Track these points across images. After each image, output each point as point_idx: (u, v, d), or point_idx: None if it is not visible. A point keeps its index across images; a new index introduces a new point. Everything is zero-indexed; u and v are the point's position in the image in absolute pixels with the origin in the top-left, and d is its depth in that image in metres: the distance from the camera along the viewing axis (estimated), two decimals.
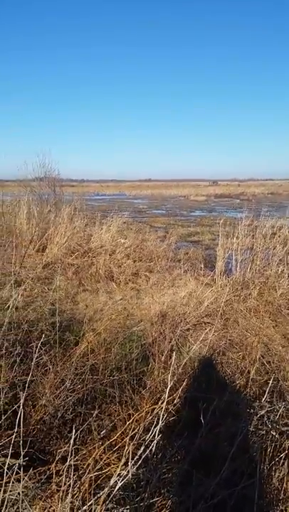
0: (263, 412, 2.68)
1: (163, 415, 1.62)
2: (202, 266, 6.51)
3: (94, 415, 2.30)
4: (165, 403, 1.63)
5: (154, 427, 1.61)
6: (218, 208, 25.02)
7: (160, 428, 1.60)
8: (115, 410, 2.56)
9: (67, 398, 2.58)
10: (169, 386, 1.66)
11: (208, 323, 4.52)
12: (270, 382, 2.78)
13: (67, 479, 1.56)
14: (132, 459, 1.53)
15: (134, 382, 2.97)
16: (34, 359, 2.41)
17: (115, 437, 1.72)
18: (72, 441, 1.53)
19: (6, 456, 1.89)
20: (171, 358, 3.36)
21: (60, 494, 1.58)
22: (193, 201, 32.90)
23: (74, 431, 1.53)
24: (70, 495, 1.52)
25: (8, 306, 3.57)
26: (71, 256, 7.23)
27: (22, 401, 1.64)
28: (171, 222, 16.25)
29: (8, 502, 1.64)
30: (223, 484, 1.85)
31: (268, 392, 2.79)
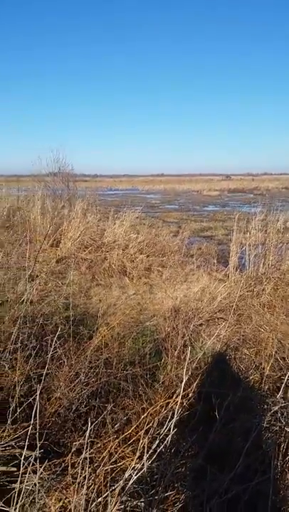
0: (276, 408, 2.66)
1: (178, 410, 1.63)
2: (215, 261, 6.47)
3: (108, 409, 2.31)
4: (180, 398, 1.63)
5: (169, 421, 1.61)
6: (231, 203, 24.83)
7: (175, 422, 1.60)
8: (129, 404, 2.57)
9: (82, 391, 2.60)
10: (184, 381, 1.66)
11: (222, 318, 4.50)
12: (285, 378, 2.75)
13: (83, 471, 1.58)
14: (147, 452, 1.54)
15: (148, 376, 2.98)
16: (50, 352, 2.44)
17: (130, 431, 1.73)
18: (87, 434, 1.55)
19: (22, 447, 1.92)
20: (184, 353, 3.37)
21: (76, 486, 1.60)
22: (206, 196, 32.70)
23: (89, 424, 1.55)
24: (85, 487, 1.54)
25: (23, 300, 3.62)
26: (84, 251, 7.26)
27: (38, 393, 1.66)
28: (183, 217, 16.19)
29: (24, 492, 1.67)
30: (237, 479, 1.85)
31: (283, 389, 2.77)
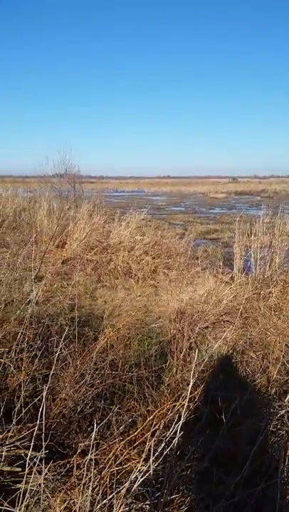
0: (283, 412, 2.65)
1: (184, 412, 1.62)
2: (221, 264, 6.45)
3: (113, 410, 2.31)
4: (187, 400, 1.62)
5: (176, 424, 1.61)
6: (238, 206, 24.77)
7: (181, 425, 1.59)
8: (134, 406, 2.57)
9: (87, 393, 2.60)
10: (191, 384, 1.65)
11: (228, 321, 4.48)
12: None
13: (88, 473, 1.58)
14: (153, 455, 1.53)
15: (153, 378, 2.97)
16: (56, 353, 2.44)
17: (136, 433, 1.72)
18: (93, 435, 1.54)
19: (27, 448, 1.92)
20: (189, 355, 3.36)
21: (81, 487, 1.60)
22: (212, 198, 32.66)
23: (95, 425, 1.54)
24: (90, 488, 1.54)
25: (29, 301, 3.62)
26: (90, 252, 7.28)
27: (44, 394, 1.66)
28: (190, 220, 16.18)
29: (29, 493, 1.67)
30: (243, 483, 1.84)
31: None
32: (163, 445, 1.67)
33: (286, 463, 2.14)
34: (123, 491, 1.55)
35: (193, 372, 1.76)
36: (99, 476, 1.68)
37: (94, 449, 1.63)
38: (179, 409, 1.72)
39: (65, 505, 1.67)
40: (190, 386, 1.65)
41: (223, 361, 3.42)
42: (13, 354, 2.87)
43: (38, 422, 1.70)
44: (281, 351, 3.53)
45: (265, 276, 5.63)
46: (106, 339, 3.34)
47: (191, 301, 4.97)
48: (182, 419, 1.61)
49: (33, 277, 4.29)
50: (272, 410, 2.73)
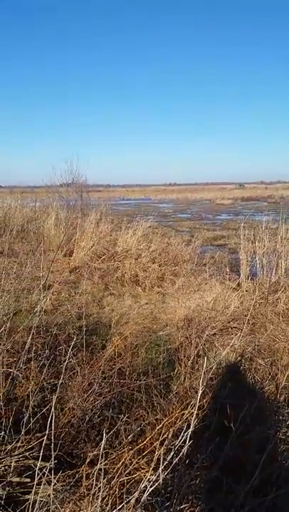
0: None
1: (193, 421, 1.61)
2: (228, 270, 6.43)
3: (122, 419, 2.30)
4: (196, 409, 1.61)
5: (185, 432, 1.60)
6: (245, 212, 24.70)
7: (190, 433, 1.59)
8: (143, 415, 2.56)
9: (95, 402, 2.60)
10: (200, 392, 1.65)
11: (235, 328, 4.46)
12: None
13: (97, 483, 1.57)
14: (162, 464, 1.52)
15: (161, 386, 2.96)
16: (64, 362, 2.44)
17: (145, 442, 1.71)
18: (102, 444, 1.54)
19: (36, 458, 1.92)
20: (197, 363, 3.34)
21: (90, 497, 1.59)
22: (219, 205, 32.63)
23: (104, 434, 1.54)
24: (100, 498, 1.53)
25: (37, 310, 3.64)
26: (97, 260, 7.30)
27: (54, 403, 1.66)
28: (196, 226, 16.16)
29: (39, 504, 1.66)
30: (253, 492, 1.82)
31: None
32: (172, 454, 1.66)
33: None
34: (132, 501, 1.54)
35: (202, 380, 1.75)
36: (108, 486, 1.67)
37: (103, 459, 1.62)
38: (187, 418, 1.71)
39: None
40: (199, 394, 1.64)
41: (232, 368, 3.40)
42: (21, 364, 2.88)
43: (47, 431, 1.70)
44: None
45: (272, 282, 5.60)
46: (114, 347, 3.34)
47: (199, 308, 4.95)
48: (191, 427, 1.60)
49: (41, 286, 4.32)
50: (281, 418, 2.71)
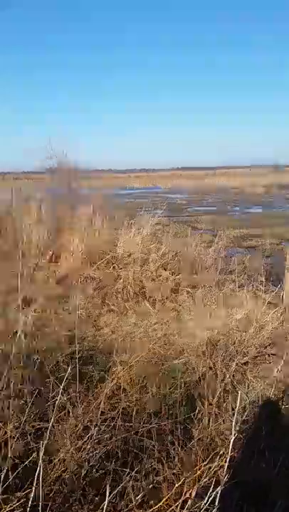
0: None
1: (224, 476, 1.60)
2: (263, 279, 6.41)
3: (128, 474, 2.29)
4: (227, 460, 1.60)
5: (212, 491, 1.59)
6: (283, 203, 24.71)
7: (220, 493, 1.58)
8: (155, 468, 2.55)
9: (93, 451, 2.59)
10: (233, 438, 1.64)
11: (273, 354, 4.45)
12: None
13: None
14: None
15: (179, 431, 2.95)
16: (52, 400, 2.45)
17: (160, 504, 1.71)
18: (105, 506, 1.54)
19: None
20: (225, 401, 3.33)
21: None
22: (247, 194, 32.62)
23: (107, 494, 1.54)
24: None
25: (16, 333, 3.65)
26: (92, 266, 7.30)
27: (41, 453, 1.66)
28: (219, 222, 16.16)
29: None
30: None
31: None
32: None
33: None
34: None
35: (235, 423, 1.74)
36: None
37: None
38: (215, 472, 1.70)
39: None
40: (231, 441, 1.63)
41: (270, 407, 3.39)
42: None
43: (33, 489, 1.70)
44: None
45: None
46: (116, 380, 3.34)
47: (225, 329, 4.93)
48: (221, 485, 1.59)
49: (19, 302, 4.33)
50: None
